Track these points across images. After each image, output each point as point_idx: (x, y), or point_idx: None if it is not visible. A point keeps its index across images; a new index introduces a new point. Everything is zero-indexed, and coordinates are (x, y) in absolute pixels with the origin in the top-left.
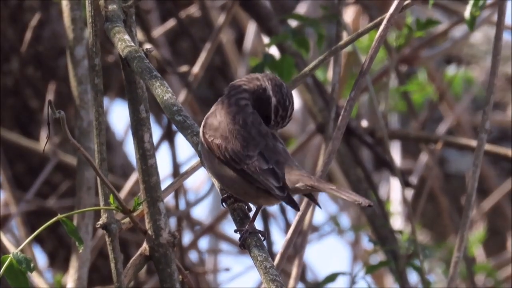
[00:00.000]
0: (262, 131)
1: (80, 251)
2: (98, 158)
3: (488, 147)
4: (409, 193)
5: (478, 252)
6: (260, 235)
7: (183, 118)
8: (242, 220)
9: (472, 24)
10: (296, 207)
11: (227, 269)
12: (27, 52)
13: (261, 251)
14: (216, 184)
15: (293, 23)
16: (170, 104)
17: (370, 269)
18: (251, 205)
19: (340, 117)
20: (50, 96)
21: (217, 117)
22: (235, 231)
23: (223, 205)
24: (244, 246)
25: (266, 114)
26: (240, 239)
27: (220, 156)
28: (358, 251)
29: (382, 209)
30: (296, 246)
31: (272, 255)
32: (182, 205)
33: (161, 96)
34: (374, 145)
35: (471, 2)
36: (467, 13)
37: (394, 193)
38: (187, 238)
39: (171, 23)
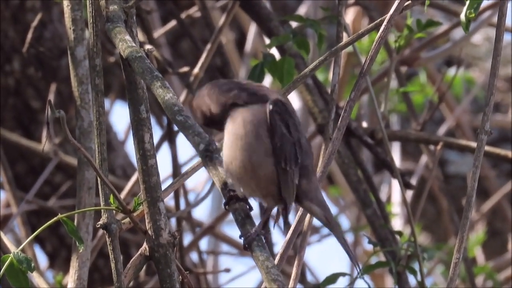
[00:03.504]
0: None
1: (81, 251)
2: (98, 158)
3: (488, 148)
4: (409, 194)
5: (478, 254)
6: (263, 237)
7: (184, 118)
8: (243, 220)
9: (467, 26)
10: (286, 226)
11: (227, 270)
12: (29, 53)
13: (263, 251)
14: (224, 166)
15: (293, 24)
16: (172, 104)
17: (367, 269)
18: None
19: (340, 118)
20: (51, 96)
21: (282, 106)
22: (240, 237)
23: (225, 208)
24: (249, 248)
25: None
26: (244, 241)
27: (278, 145)
28: (358, 252)
29: (382, 210)
30: (295, 247)
31: (272, 256)
32: (182, 205)
33: (162, 96)
34: (374, 146)
35: (466, 4)
36: (462, 15)
37: (395, 194)
38: (187, 238)
39: (171, 23)
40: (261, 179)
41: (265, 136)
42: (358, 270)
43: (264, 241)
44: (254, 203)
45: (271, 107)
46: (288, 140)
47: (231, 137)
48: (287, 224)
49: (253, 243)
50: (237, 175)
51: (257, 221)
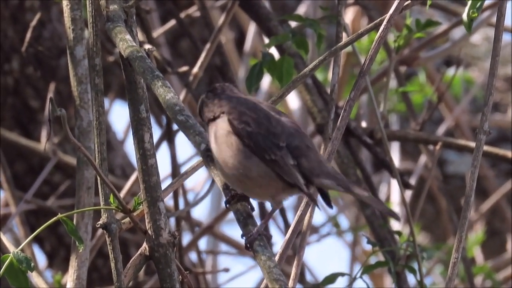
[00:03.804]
0: (275, 115)
1: (80, 250)
2: (98, 158)
3: (487, 148)
4: (408, 194)
5: (477, 253)
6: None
7: (185, 117)
8: (245, 220)
9: (470, 26)
10: (316, 203)
11: (226, 270)
12: (28, 52)
13: (265, 250)
14: (223, 180)
15: (293, 23)
16: (172, 104)
17: (367, 269)
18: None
19: (340, 118)
20: (50, 96)
21: (241, 106)
22: (242, 237)
23: (226, 207)
24: (251, 248)
25: None
26: (246, 241)
27: (251, 144)
28: (357, 252)
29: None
30: (295, 247)
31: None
32: (181, 205)
33: (163, 96)
34: (373, 146)
35: (469, 4)
36: (464, 15)
37: (394, 194)
38: (186, 238)
39: (171, 23)
40: (259, 180)
41: (237, 142)
42: (398, 219)
43: (266, 241)
44: (255, 202)
45: (227, 116)
46: (257, 135)
47: (215, 153)
48: (315, 203)
49: (255, 243)
50: (241, 188)
51: (258, 221)
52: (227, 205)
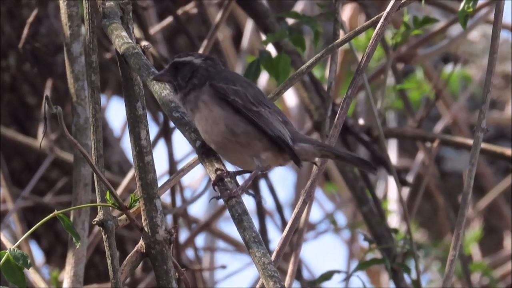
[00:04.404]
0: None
1: (77, 247)
2: (94, 155)
3: (484, 145)
4: (405, 191)
5: (474, 251)
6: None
7: (180, 114)
8: (240, 217)
9: (465, 21)
10: (299, 162)
11: (223, 267)
12: (24, 48)
13: (259, 247)
14: (209, 144)
15: (290, 20)
16: (168, 101)
17: (362, 266)
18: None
19: (337, 115)
20: (47, 92)
21: (227, 75)
22: (213, 185)
23: (214, 189)
24: (225, 202)
25: None
26: (226, 195)
27: (237, 99)
28: (354, 249)
29: (378, 207)
30: (292, 244)
31: (268, 253)
32: (178, 202)
33: (158, 93)
34: (370, 143)
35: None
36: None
37: (391, 191)
38: (183, 235)
39: (168, 20)
40: (241, 137)
41: (223, 102)
42: (375, 170)
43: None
44: (252, 201)
45: (207, 84)
46: (244, 92)
47: (202, 120)
48: (299, 163)
49: (232, 200)
50: (222, 145)
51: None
52: (215, 187)
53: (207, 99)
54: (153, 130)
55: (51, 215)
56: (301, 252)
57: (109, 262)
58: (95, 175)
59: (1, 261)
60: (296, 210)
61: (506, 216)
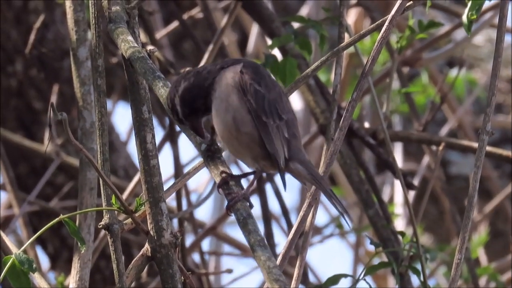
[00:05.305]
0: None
1: (82, 251)
2: (100, 159)
3: (489, 149)
4: (411, 194)
5: (481, 255)
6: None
7: None
8: (245, 220)
9: (469, 27)
10: (285, 185)
11: (229, 271)
12: (31, 54)
13: (264, 250)
14: (217, 131)
15: (295, 24)
16: None
17: (370, 270)
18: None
19: (342, 118)
20: (53, 97)
21: (259, 70)
22: (218, 187)
23: (219, 191)
24: (230, 210)
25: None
26: (230, 202)
27: (252, 101)
28: (360, 253)
29: (384, 211)
30: (298, 248)
31: (274, 256)
32: (184, 206)
33: (164, 97)
34: (376, 147)
35: (468, 5)
36: (464, 17)
37: (397, 195)
38: (189, 239)
39: (174, 24)
40: (243, 137)
41: (241, 95)
42: (349, 224)
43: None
44: (256, 202)
45: (240, 67)
46: (263, 96)
47: (217, 100)
48: (285, 184)
49: (237, 205)
50: (222, 134)
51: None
52: (219, 190)
53: (230, 82)
54: (159, 133)
55: (56, 219)
56: (307, 256)
57: (114, 266)
58: (100, 179)
59: (7, 266)
60: (301, 213)
61: None
